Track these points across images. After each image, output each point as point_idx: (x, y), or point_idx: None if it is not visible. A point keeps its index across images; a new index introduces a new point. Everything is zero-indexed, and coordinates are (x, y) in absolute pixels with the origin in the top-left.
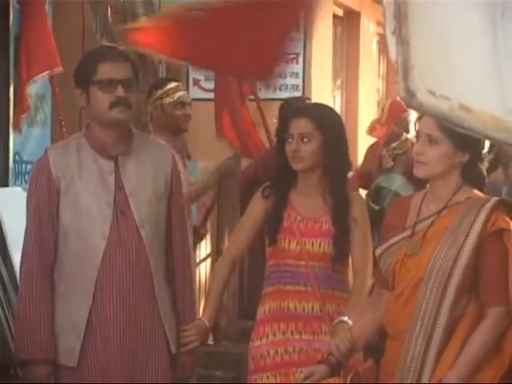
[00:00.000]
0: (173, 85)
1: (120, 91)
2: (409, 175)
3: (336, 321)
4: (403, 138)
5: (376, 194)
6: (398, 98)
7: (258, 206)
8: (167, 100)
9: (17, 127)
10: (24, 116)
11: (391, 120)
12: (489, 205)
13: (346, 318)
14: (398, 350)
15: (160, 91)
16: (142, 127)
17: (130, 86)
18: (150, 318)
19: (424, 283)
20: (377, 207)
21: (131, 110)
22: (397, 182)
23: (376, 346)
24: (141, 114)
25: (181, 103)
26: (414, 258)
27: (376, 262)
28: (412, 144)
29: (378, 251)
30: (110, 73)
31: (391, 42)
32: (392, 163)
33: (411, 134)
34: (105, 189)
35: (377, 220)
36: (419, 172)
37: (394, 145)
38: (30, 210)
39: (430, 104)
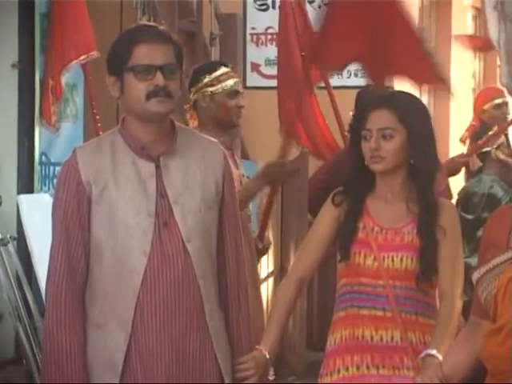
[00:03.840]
0: (224, 70)
1: (159, 79)
2: (504, 175)
3: (422, 354)
4: (491, 132)
5: (466, 202)
6: (491, 86)
7: (328, 215)
8: (219, 88)
9: (48, 121)
10: (56, 108)
11: (476, 113)
12: None
13: (434, 352)
14: None
15: (209, 77)
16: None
17: (171, 72)
18: (200, 349)
19: None
20: (470, 216)
21: (172, 102)
22: (488, 184)
23: (473, 380)
24: (185, 103)
25: (234, 92)
26: None
27: (471, 285)
28: (504, 140)
29: (476, 275)
30: (147, 57)
31: (491, 18)
32: (480, 164)
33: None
34: (144, 196)
35: (471, 232)
36: None
37: (480, 142)
38: (56, 221)
39: None
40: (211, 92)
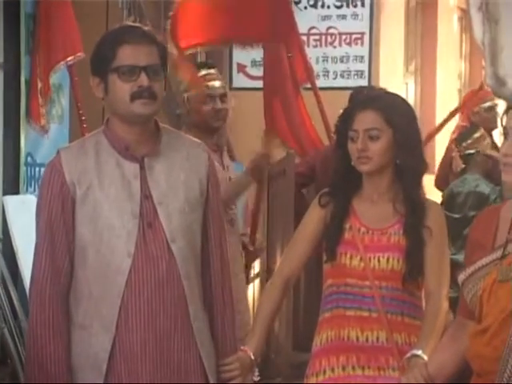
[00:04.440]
0: (202, 72)
1: (143, 80)
2: (489, 174)
3: (408, 355)
4: (477, 134)
5: (451, 202)
6: (479, 87)
7: (314, 215)
8: (194, 92)
9: (37, 123)
10: (45, 109)
11: (466, 115)
12: None
13: (420, 352)
14: None
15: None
16: (177, 121)
17: (155, 73)
18: (185, 349)
19: None
20: (456, 215)
21: (157, 103)
22: (472, 183)
23: (458, 380)
24: (175, 105)
25: (210, 96)
26: (506, 285)
27: (456, 287)
28: (489, 142)
29: (462, 277)
30: (131, 58)
31: (476, 19)
32: (463, 166)
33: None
34: (129, 197)
35: (457, 230)
36: (509, 177)
37: (464, 144)
38: (40, 222)
39: None
40: (188, 96)
